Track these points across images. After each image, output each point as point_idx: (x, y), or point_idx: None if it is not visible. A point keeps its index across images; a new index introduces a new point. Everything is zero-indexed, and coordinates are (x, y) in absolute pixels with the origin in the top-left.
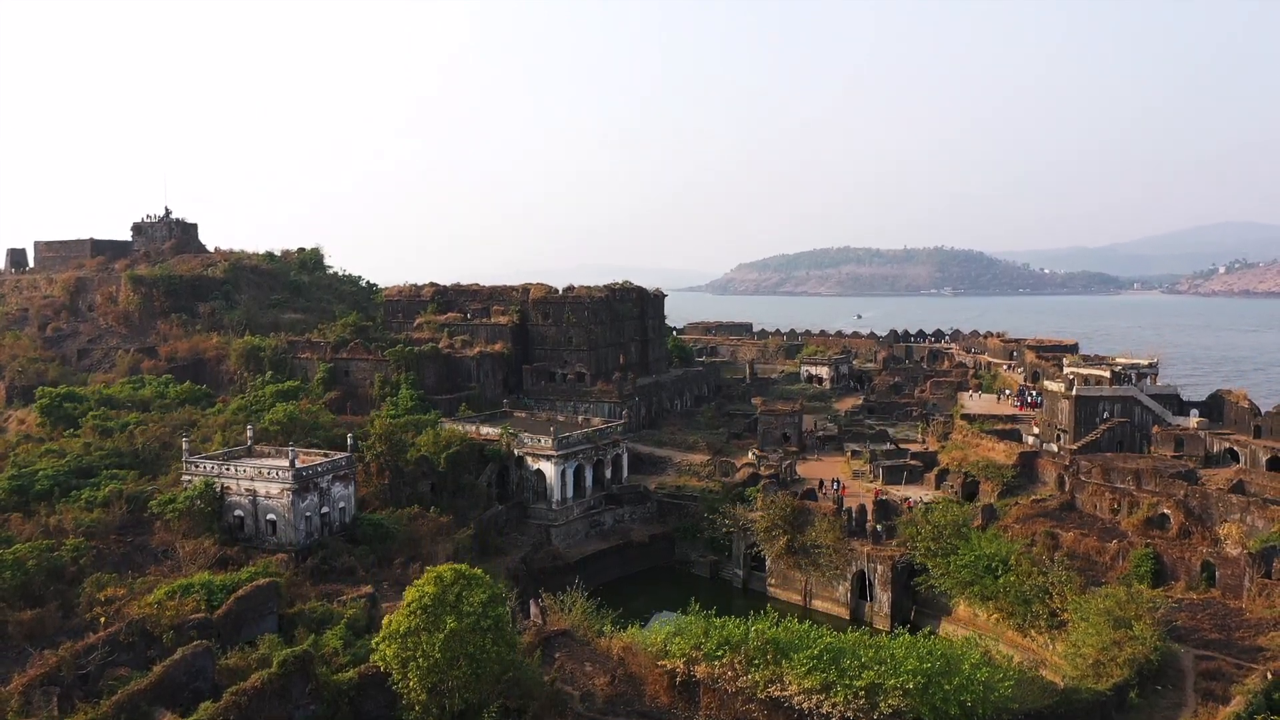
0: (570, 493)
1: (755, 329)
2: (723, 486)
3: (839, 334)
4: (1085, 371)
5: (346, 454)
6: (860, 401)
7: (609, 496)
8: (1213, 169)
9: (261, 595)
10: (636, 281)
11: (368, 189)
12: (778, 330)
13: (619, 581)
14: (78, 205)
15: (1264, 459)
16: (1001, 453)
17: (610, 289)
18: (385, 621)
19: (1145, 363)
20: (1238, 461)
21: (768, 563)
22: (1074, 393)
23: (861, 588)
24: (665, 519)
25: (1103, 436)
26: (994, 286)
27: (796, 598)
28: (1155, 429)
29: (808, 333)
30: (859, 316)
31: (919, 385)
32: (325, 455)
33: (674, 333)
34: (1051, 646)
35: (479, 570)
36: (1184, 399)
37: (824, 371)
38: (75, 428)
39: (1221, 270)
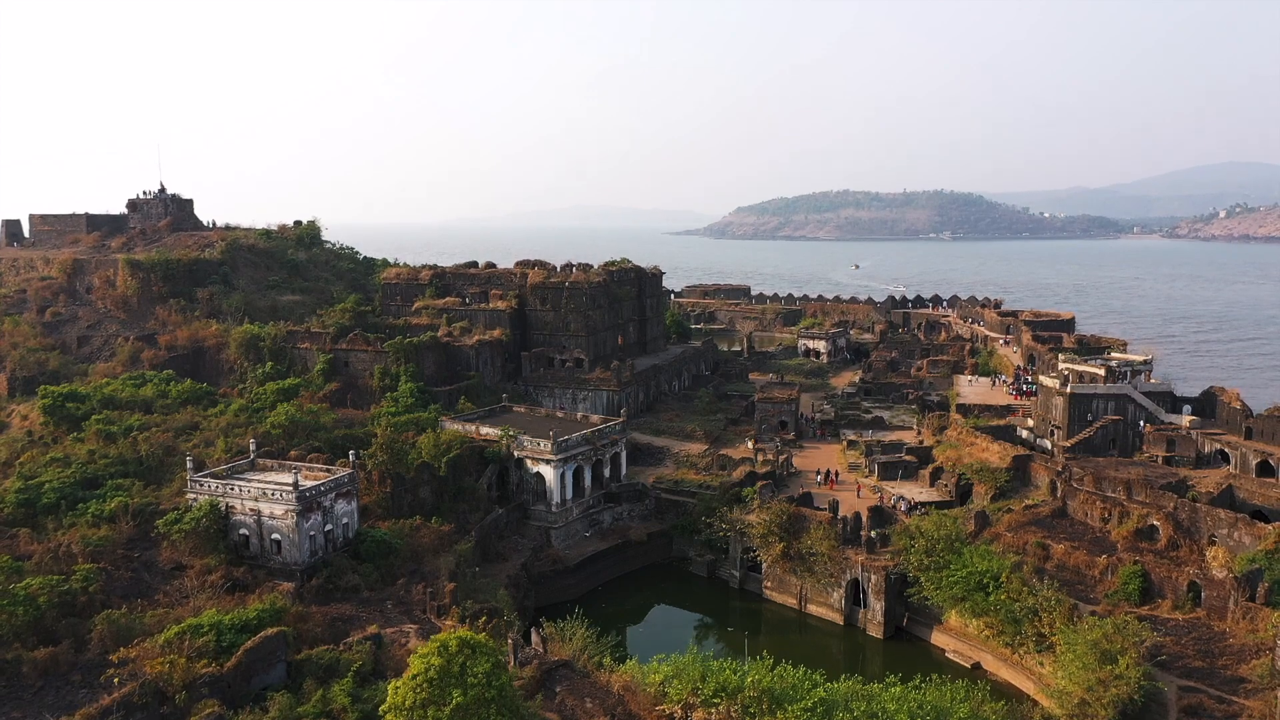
0: (569, 494)
1: (754, 293)
2: (720, 485)
3: (836, 299)
4: (1080, 368)
5: (349, 470)
6: (857, 377)
7: (608, 495)
8: (1216, 108)
9: (270, 645)
10: (633, 222)
11: (358, 136)
12: (775, 295)
13: (618, 580)
14: (65, 161)
15: (1254, 462)
16: (995, 454)
17: (608, 271)
18: (391, 687)
19: (1140, 359)
20: (1228, 463)
21: (764, 566)
22: (1068, 390)
23: (856, 595)
24: (663, 516)
25: (1096, 434)
26: (993, 230)
27: (792, 601)
28: (1148, 428)
29: (805, 297)
30: (856, 266)
31: (916, 363)
32: (328, 470)
33: (672, 296)
34: (1041, 666)
35: (482, 636)
36: (1177, 395)
37: (821, 345)
38: (78, 429)
39: (1222, 214)
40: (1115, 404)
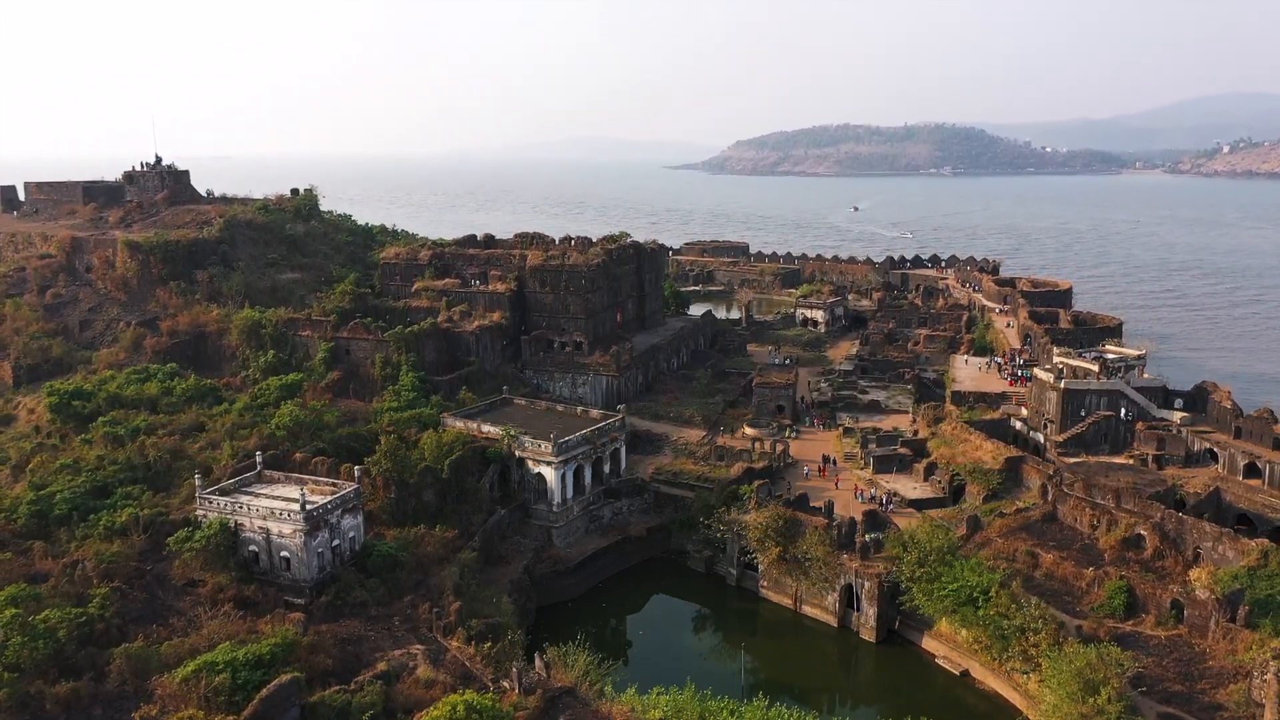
0: (570, 493)
1: (752, 250)
2: (717, 483)
3: (835, 259)
4: (1074, 363)
5: (354, 484)
6: (855, 349)
7: (608, 491)
8: (1223, 37)
9: (284, 692)
10: (630, 155)
11: (354, 68)
12: (774, 254)
13: (618, 575)
14: (51, 113)
15: (1242, 464)
16: (989, 453)
17: (607, 251)
18: None
19: (1134, 353)
20: (1217, 462)
21: (760, 567)
22: (1062, 385)
23: (850, 598)
24: (662, 510)
25: (1088, 430)
26: (994, 166)
27: (787, 601)
28: (1139, 425)
29: (804, 256)
30: (855, 209)
31: (913, 334)
32: (333, 484)
33: (670, 253)
34: (1027, 679)
35: (488, 697)
36: (1170, 389)
37: (819, 315)
38: (85, 428)
39: (1225, 149)
40: (1108, 400)
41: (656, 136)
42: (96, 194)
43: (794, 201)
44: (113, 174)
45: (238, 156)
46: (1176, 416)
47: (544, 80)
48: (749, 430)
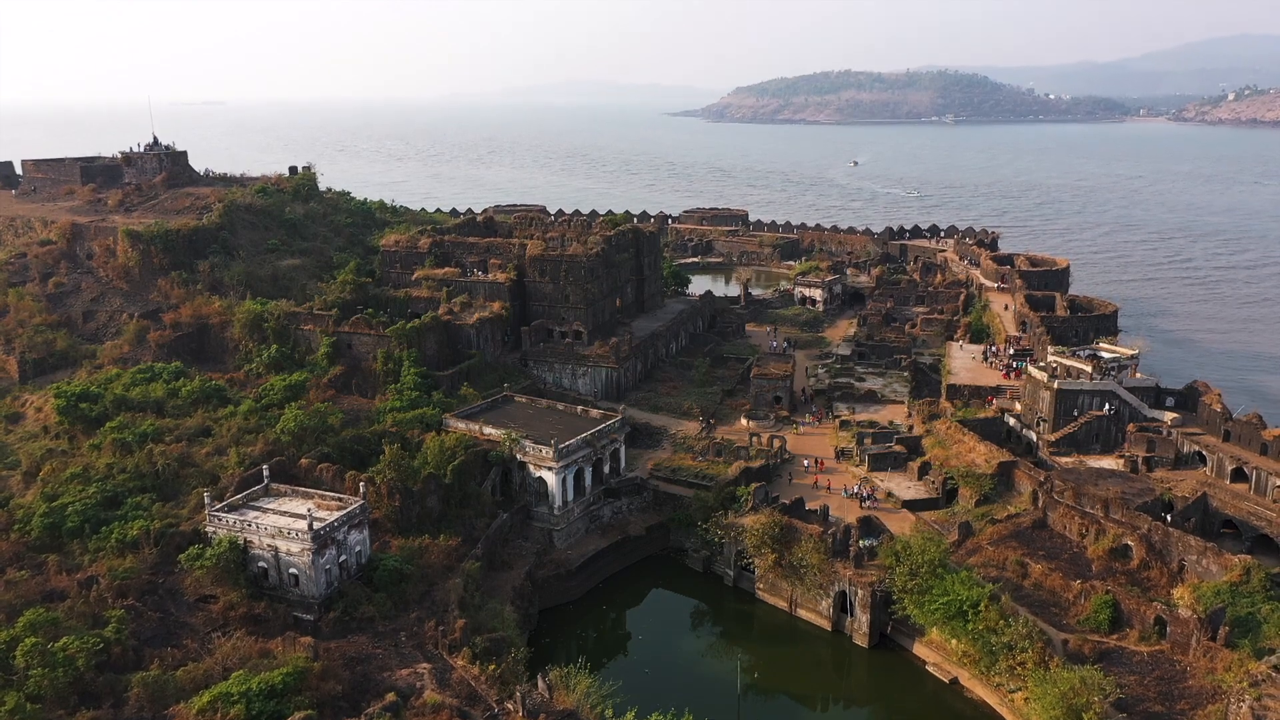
0: (570, 495)
1: (751, 219)
2: (715, 483)
3: (834, 229)
4: (1068, 363)
5: (360, 500)
6: (853, 330)
7: (607, 490)
8: None
9: None
10: (629, 98)
11: (347, 10)
12: (773, 222)
13: (618, 574)
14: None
15: (1229, 468)
16: (982, 455)
17: (606, 239)
18: None
19: (1128, 353)
20: (1205, 464)
21: (757, 570)
22: (1055, 385)
23: (844, 604)
24: (661, 507)
25: (1080, 430)
26: (996, 113)
27: (783, 604)
28: (1130, 427)
29: (803, 226)
30: (855, 163)
31: (911, 312)
32: (339, 500)
33: (670, 221)
34: (1014, 692)
35: None
36: (1162, 387)
37: (817, 294)
38: (93, 430)
39: (1230, 97)
40: (1101, 400)
41: (654, 79)
42: (94, 174)
43: (794, 153)
44: (108, 119)
45: (231, 102)
46: (1168, 417)
47: (542, 21)
48: (746, 423)
